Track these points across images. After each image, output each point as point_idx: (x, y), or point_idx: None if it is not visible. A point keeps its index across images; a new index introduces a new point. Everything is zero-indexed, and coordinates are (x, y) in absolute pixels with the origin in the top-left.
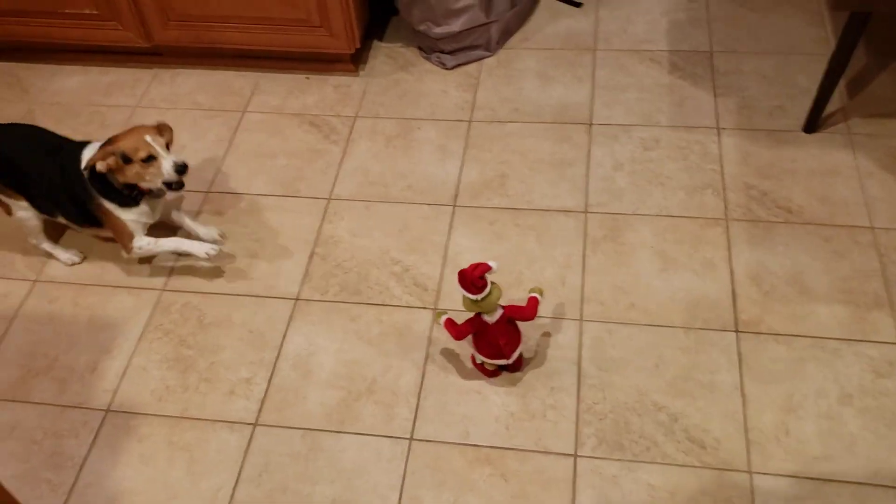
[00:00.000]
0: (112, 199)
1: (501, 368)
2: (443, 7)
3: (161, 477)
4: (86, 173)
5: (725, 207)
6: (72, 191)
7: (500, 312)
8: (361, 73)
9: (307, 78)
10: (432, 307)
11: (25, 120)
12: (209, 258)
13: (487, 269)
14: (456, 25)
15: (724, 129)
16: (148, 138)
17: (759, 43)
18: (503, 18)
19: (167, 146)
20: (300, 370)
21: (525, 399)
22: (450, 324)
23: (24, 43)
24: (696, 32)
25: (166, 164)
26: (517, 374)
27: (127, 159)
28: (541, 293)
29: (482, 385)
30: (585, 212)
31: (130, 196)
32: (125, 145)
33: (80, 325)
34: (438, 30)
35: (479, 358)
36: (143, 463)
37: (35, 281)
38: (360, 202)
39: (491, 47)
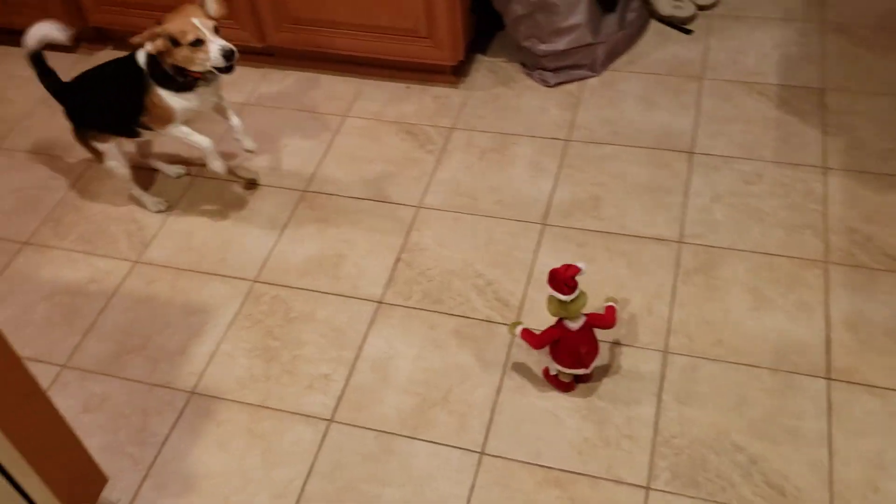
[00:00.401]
0: (167, 87)
1: (576, 380)
2: (550, 25)
3: (236, 463)
4: (132, 41)
5: (826, 250)
6: (132, 92)
7: (583, 319)
8: (462, 85)
9: (408, 87)
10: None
11: None
12: (217, 172)
13: (578, 270)
14: (561, 44)
15: (830, 168)
16: (196, 21)
17: (874, 83)
18: (610, 40)
19: (216, 29)
20: (378, 372)
21: (601, 425)
22: (527, 333)
23: None
24: (808, 68)
25: (214, 49)
26: (597, 402)
27: (175, 42)
28: (615, 302)
29: (558, 407)
30: (679, 242)
31: (184, 83)
32: (172, 28)
33: (174, 307)
34: (543, 47)
35: (555, 369)
36: (219, 447)
37: (136, 262)
38: (448, 213)
39: (595, 68)
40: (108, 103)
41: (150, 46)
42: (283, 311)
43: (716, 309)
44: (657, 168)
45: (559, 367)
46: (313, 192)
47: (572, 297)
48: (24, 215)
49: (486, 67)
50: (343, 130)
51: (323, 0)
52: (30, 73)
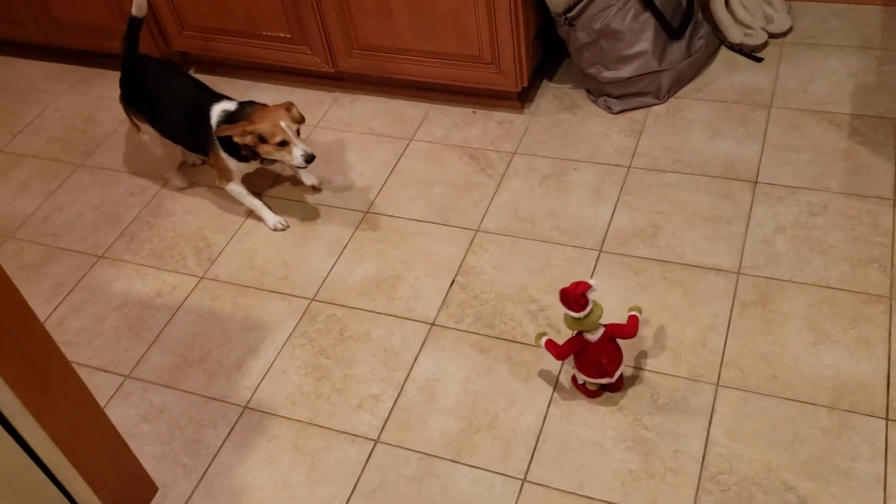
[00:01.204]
0: (229, 152)
1: (603, 388)
2: (615, 53)
3: (282, 478)
4: (220, 133)
5: (891, 285)
6: (195, 132)
7: (601, 331)
8: (527, 110)
9: (474, 112)
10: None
11: None
12: (275, 229)
13: (588, 287)
14: (626, 71)
15: None
16: (283, 124)
17: None
18: (676, 67)
19: (298, 132)
20: (426, 394)
21: (647, 457)
22: (550, 344)
23: (227, 59)
24: (883, 98)
25: (297, 152)
26: (643, 433)
27: (263, 139)
28: (640, 311)
29: (604, 437)
30: (738, 273)
31: (246, 155)
32: (264, 128)
33: (235, 323)
34: (608, 74)
35: (581, 378)
36: (269, 462)
37: (202, 278)
38: (506, 237)
39: (661, 95)
40: (170, 121)
41: (239, 140)
42: (338, 330)
43: (772, 343)
44: (719, 197)
45: (584, 377)
46: (375, 213)
47: (585, 313)
48: (102, 230)
49: (551, 93)
50: (408, 154)
51: (391, 27)
52: (112, 94)
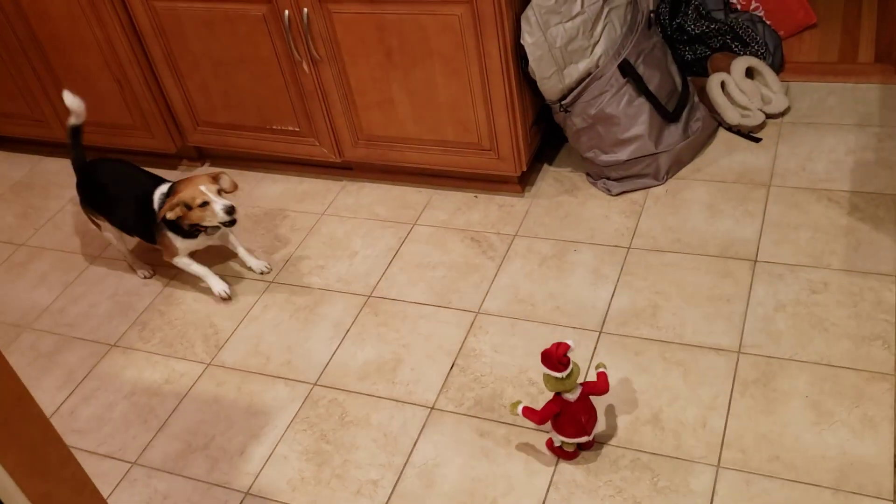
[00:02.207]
0: (175, 232)
1: (579, 448)
2: (611, 137)
3: None
4: (160, 217)
5: None
6: (145, 220)
7: (579, 390)
8: (527, 193)
9: (476, 196)
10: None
11: None
12: (221, 298)
13: (568, 347)
14: (623, 154)
15: None
16: (202, 188)
17: None
18: (674, 149)
19: (220, 192)
20: (424, 479)
21: None
22: (528, 411)
23: (238, 152)
24: (883, 174)
25: (217, 208)
26: None
27: (188, 206)
28: (605, 367)
29: None
30: (738, 352)
31: (190, 231)
32: (185, 196)
33: (239, 409)
34: (605, 157)
35: (558, 440)
36: None
37: (209, 364)
38: (506, 318)
39: (659, 176)
40: (121, 213)
41: (171, 214)
42: (339, 414)
43: (773, 423)
44: (719, 276)
45: (563, 439)
46: (378, 297)
47: (566, 372)
48: (115, 319)
49: (552, 176)
50: (411, 238)
51: (393, 118)
52: None
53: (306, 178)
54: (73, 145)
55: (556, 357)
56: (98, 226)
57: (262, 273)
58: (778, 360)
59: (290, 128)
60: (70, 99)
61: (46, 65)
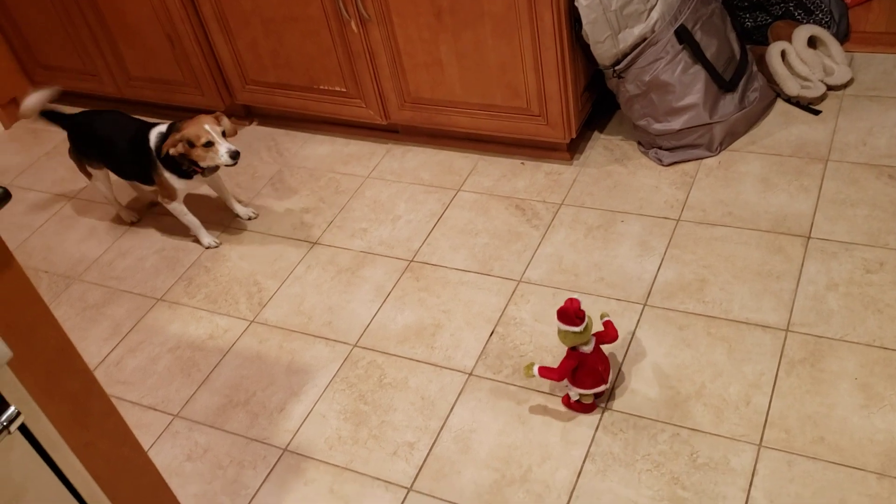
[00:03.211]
0: (172, 171)
1: (595, 398)
2: (664, 105)
3: None
4: (158, 151)
5: None
6: (140, 161)
7: (593, 341)
8: (576, 161)
9: (523, 163)
10: (602, 405)
11: (273, 181)
12: (207, 247)
13: (580, 302)
14: (676, 124)
15: None
16: (207, 127)
17: None
18: (729, 120)
19: (224, 133)
20: (460, 444)
21: None
22: (545, 370)
23: (286, 112)
24: None
25: (222, 150)
26: (680, 493)
27: (191, 144)
28: (608, 315)
29: (639, 495)
30: (786, 330)
31: (186, 171)
32: (189, 133)
33: (280, 366)
34: (658, 126)
35: (575, 394)
36: None
37: (252, 321)
38: (548, 288)
39: (713, 147)
40: (117, 157)
41: (172, 151)
42: (378, 376)
43: (820, 404)
44: (770, 252)
45: (580, 391)
46: (420, 262)
47: (582, 326)
48: (162, 274)
49: (602, 145)
50: (454, 204)
51: (441, 81)
52: None
53: (352, 140)
54: (50, 120)
55: (572, 311)
56: (89, 175)
57: (248, 219)
58: (828, 339)
59: (338, 88)
60: (29, 101)
61: (100, 20)
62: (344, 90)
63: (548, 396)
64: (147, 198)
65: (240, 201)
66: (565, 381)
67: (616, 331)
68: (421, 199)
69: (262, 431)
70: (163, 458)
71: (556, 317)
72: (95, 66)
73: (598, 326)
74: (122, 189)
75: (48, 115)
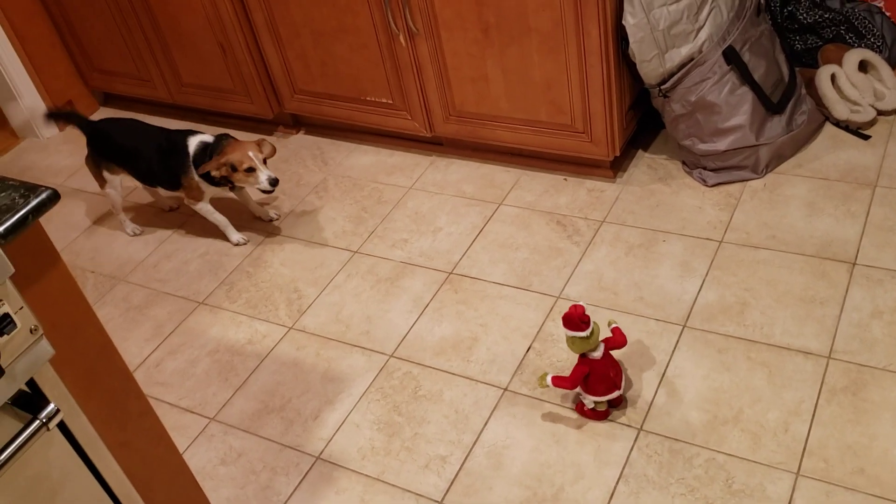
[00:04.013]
0: (204, 179)
1: (610, 406)
2: (710, 125)
3: None
4: (196, 160)
5: None
6: (169, 166)
7: (602, 347)
8: (619, 179)
9: (565, 179)
10: (637, 427)
11: (318, 189)
12: (236, 244)
13: (584, 307)
14: (722, 145)
15: None
16: (251, 153)
17: None
18: (775, 142)
19: (265, 161)
20: (493, 460)
21: None
22: (558, 379)
23: (332, 122)
24: None
25: (262, 177)
26: None
27: (234, 168)
28: (615, 322)
29: None
30: (828, 357)
31: (217, 182)
32: (233, 158)
33: (316, 373)
34: (703, 146)
35: (590, 401)
36: None
37: (290, 328)
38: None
39: (759, 170)
40: (144, 163)
41: (215, 172)
42: (413, 387)
43: (861, 434)
44: (814, 277)
45: (594, 399)
46: (459, 274)
47: (588, 331)
48: (205, 277)
49: (646, 163)
50: (496, 217)
51: (486, 95)
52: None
53: (396, 152)
54: (67, 121)
55: (577, 316)
56: (103, 182)
57: (270, 220)
58: (870, 368)
59: (384, 100)
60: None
61: (155, 27)
62: (390, 102)
63: (582, 417)
64: (165, 204)
65: (260, 203)
66: (578, 389)
67: (624, 336)
68: (462, 212)
69: (296, 438)
70: (197, 460)
71: (562, 324)
72: (149, 71)
73: (605, 332)
74: (133, 196)
75: (72, 117)
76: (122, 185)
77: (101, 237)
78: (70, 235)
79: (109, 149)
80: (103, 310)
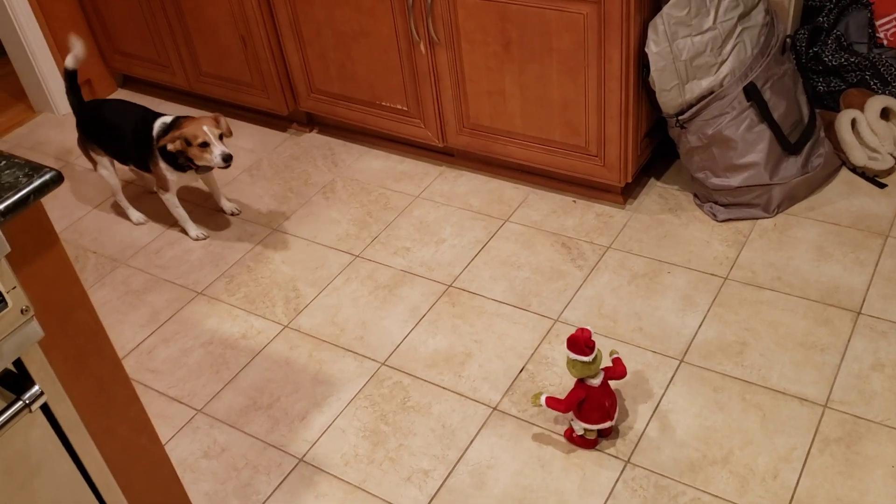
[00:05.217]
0: (168, 163)
1: (599, 435)
2: (725, 160)
3: None
4: (159, 143)
5: None
6: (140, 148)
7: (602, 375)
8: (629, 206)
9: (574, 201)
10: (625, 459)
11: (325, 190)
12: (196, 238)
13: (591, 332)
14: (735, 181)
15: None
16: (205, 128)
17: None
18: (789, 183)
19: (221, 136)
20: (476, 479)
21: None
22: (553, 401)
23: (345, 123)
24: None
25: (216, 152)
26: None
27: (188, 142)
28: (617, 353)
29: None
30: (825, 406)
31: (181, 165)
32: (187, 132)
33: (307, 374)
34: (716, 181)
35: (580, 427)
36: None
37: (286, 326)
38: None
39: (770, 209)
40: (120, 142)
41: (170, 146)
42: (402, 398)
43: (851, 488)
44: (816, 323)
45: (585, 426)
46: (458, 288)
47: (592, 356)
48: (206, 268)
49: (657, 192)
50: (500, 234)
51: (502, 110)
52: (241, 143)
53: (407, 159)
54: (70, 90)
55: (582, 340)
56: (94, 164)
57: (231, 214)
58: (867, 421)
59: (399, 106)
60: (75, 41)
61: (179, 14)
62: (405, 109)
63: (570, 444)
64: (147, 185)
65: (229, 199)
66: (571, 414)
67: (624, 367)
68: (467, 225)
69: (281, 438)
70: (180, 451)
71: (565, 345)
72: (169, 58)
73: (606, 361)
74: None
75: (68, 94)
76: (119, 169)
77: (106, 218)
78: (76, 213)
79: (94, 129)
80: (101, 291)
